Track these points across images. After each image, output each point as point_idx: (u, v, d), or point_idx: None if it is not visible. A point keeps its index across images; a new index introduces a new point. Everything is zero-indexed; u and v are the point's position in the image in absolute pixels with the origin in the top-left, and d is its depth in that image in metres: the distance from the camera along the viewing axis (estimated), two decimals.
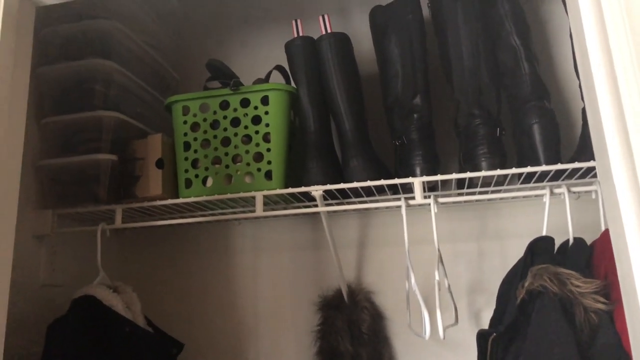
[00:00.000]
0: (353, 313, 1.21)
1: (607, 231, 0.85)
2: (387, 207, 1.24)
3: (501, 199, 1.21)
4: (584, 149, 1.02)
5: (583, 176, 1.04)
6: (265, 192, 1.09)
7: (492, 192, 1.15)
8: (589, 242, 0.93)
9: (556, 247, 0.96)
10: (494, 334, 0.84)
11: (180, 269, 1.39)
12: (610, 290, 0.78)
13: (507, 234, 1.24)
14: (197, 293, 1.37)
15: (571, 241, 0.93)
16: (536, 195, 1.14)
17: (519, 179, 1.09)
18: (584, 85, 0.68)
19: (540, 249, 0.90)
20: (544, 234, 0.94)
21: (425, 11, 1.18)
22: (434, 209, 1.01)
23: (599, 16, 0.65)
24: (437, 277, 0.95)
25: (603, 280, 0.80)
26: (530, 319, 0.79)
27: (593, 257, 0.88)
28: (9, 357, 0.86)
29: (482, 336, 0.87)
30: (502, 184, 1.12)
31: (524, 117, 1.05)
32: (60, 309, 1.03)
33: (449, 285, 1.06)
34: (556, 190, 1.00)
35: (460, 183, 1.13)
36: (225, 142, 1.13)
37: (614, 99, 0.60)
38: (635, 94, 0.59)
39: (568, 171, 1.02)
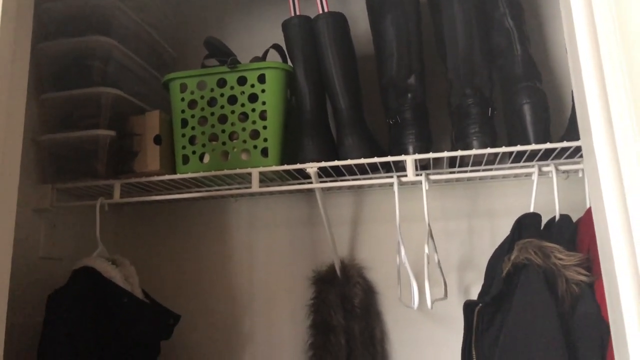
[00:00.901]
0: (346, 288, 1.24)
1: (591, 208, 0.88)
2: (380, 185, 1.27)
3: (492, 177, 1.24)
4: (573, 129, 1.04)
5: (571, 156, 1.07)
6: (261, 169, 1.11)
7: (483, 170, 1.18)
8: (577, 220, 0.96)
9: (544, 223, 0.99)
10: (480, 304, 0.87)
11: (177, 244, 1.42)
12: (592, 263, 0.81)
13: (497, 212, 1.27)
14: (194, 268, 1.40)
15: (557, 217, 0.96)
16: (526, 175, 1.19)
17: (509, 158, 1.12)
18: (570, 65, 0.71)
19: (527, 225, 0.93)
20: (531, 210, 0.97)
21: None
22: (425, 185, 1.04)
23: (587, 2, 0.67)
24: (426, 251, 0.98)
25: (586, 254, 0.83)
26: (515, 291, 0.82)
27: (578, 232, 0.91)
28: (9, 327, 0.88)
29: (468, 307, 0.90)
30: (493, 163, 1.15)
31: (515, 97, 1.08)
32: (59, 281, 1.05)
33: (438, 261, 1.09)
34: (544, 169, 1.03)
35: (452, 162, 1.16)
36: (222, 119, 1.15)
37: (598, 78, 0.63)
38: (618, 74, 0.61)
39: (557, 150, 1.05)
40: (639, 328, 0.56)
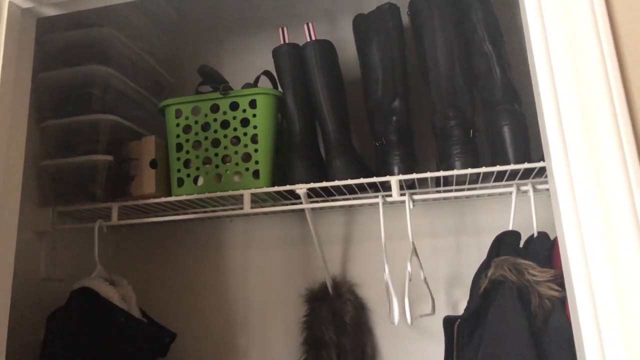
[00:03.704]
0: (337, 304, 1.27)
1: None
2: (370, 204, 1.31)
3: (478, 196, 1.27)
4: None
5: None
6: (253, 190, 1.16)
7: (468, 189, 1.21)
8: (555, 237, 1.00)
9: (525, 240, 1.03)
10: (459, 320, 0.91)
11: (174, 263, 1.46)
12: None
13: (484, 229, 1.30)
14: (191, 286, 1.43)
15: (535, 234, 0.99)
16: (510, 193, 1.22)
17: (492, 177, 1.16)
18: (535, 94, 0.75)
19: (505, 242, 0.97)
20: (510, 228, 1.01)
21: (405, 19, 1.24)
22: (408, 205, 1.08)
23: (545, 46, 0.72)
24: (408, 268, 1.02)
25: (560, 270, 0.86)
26: (492, 306, 0.86)
27: (554, 249, 0.95)
28: (10, 345, 0.93)
29: (447, 322, 0.93)
30: (477, 182, 1.18)
31: (495, 119, 1.12)
32: (59, 301, 1.09)
33: (424, 278, 1.12)
34: (523, 188, 1.07)
35: (437, 181, 1.20)
36: (216, 143, 1.20)
37: (555, 110, 0.67)
38: (572, 105, 0.65)
39: (536, 170, 1.08)
40: (595, 339, 0.59)
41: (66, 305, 1.08)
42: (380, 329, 1.31)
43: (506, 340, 0.80)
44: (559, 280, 0.85)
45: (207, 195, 1.18)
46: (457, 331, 0.91)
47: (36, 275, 1.19)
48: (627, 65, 0.67)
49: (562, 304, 0.82)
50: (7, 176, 0.94)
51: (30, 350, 1.09)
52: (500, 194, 1.25)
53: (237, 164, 1.19)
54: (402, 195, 1.10)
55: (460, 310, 1.27)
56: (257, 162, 1.18)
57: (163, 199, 1.21)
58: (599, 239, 0.59)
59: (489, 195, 1.27)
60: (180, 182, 1.21)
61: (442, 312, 1.27)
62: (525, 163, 1.05)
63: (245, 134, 1.19)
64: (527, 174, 1.11)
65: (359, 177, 1.14)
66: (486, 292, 0.89)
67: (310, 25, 1.23)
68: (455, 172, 1.09)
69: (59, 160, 1.20)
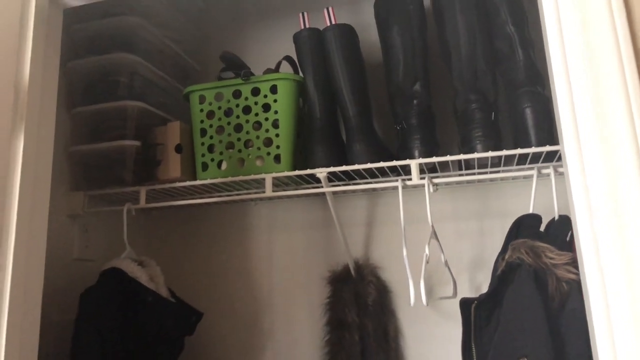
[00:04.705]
0: (360, 286, 1.29)
1: None
2: (393, 188, 1.31)
3: (502, 179, 1.27)
4: None
5: None
6: (274, 174, 1.18)
7: (491, 172, 1.21)
8: None
9: (547, 223, 1.02)
10: (475, 301, 0.91)
11: (202, 245, 1.50)
12: None
13: (508, 212, 1.28)
14: (217, 267, 1.47)
15: (556, 218, 0.98)
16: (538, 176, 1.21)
17: (514, 161, 1.15)
18: (550, 78, 0.75)
19: (525, 225, 0.96)
20: (531, 211, 1.01)
21: (426, 1, 1.23)
22: (428, 188, 1.08)
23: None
24: (426, 251, 1.02)
25: None
26: (507, 288, 0.86)
27: None
28: (44, 323, 0.97)
29: (464, 304, 0.94)
30: (499, 165, 1.17)
31: (517, 102, 1.10)
32: (91, 281, 1.14)
33: (445, 261, 1.13)
34: (544, 171, 1.05)
35: (460, 165, 1.19)
36: (238, 128, 1.22)
37: (569, 98, 0.67)
38: (585, 93, 0.65)
39: (559, 153, 1.07)
40: (604, 322, 0.59)
41: (97, 285, 1.13)
42: (402, 311, 1.32)
43: (523, 323, 0.80)
44: (577, 263, 0.84)
45: (230, 179, 1.21)
46: (474, 313, 0.91)
47: (69, 256, 1.24)
48: None
49: (579, 286, 0.81)
50: (38, 162, 0.98)
51: (65, 326, 1.13)
52: (524, 177, 1.24)
53: (259, 148, 1.21)
54: (422, 178, 1.10)
55: None
56: (278, 147, 1.19)
57: (188, 183, 1.24)
58: (609, 223, 0.59)
59: (513, 178, 1.27)
60: (205, 166, 1.24)
61: (465, 295, 1.26)
62: (547, 146, 1.04)
63: (266, 119, 1.21)
64: (551, 157, 1.10)
65: (379, 161, 1.15)
66: (503, 274, 0.89)
67: (330, 9, 1.23)
68: (475, 155, 1.08)
69: (88, 146, 1.25)
